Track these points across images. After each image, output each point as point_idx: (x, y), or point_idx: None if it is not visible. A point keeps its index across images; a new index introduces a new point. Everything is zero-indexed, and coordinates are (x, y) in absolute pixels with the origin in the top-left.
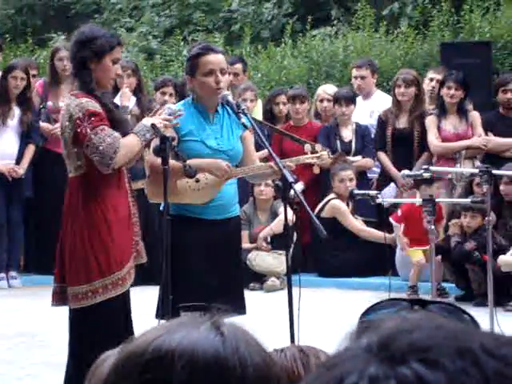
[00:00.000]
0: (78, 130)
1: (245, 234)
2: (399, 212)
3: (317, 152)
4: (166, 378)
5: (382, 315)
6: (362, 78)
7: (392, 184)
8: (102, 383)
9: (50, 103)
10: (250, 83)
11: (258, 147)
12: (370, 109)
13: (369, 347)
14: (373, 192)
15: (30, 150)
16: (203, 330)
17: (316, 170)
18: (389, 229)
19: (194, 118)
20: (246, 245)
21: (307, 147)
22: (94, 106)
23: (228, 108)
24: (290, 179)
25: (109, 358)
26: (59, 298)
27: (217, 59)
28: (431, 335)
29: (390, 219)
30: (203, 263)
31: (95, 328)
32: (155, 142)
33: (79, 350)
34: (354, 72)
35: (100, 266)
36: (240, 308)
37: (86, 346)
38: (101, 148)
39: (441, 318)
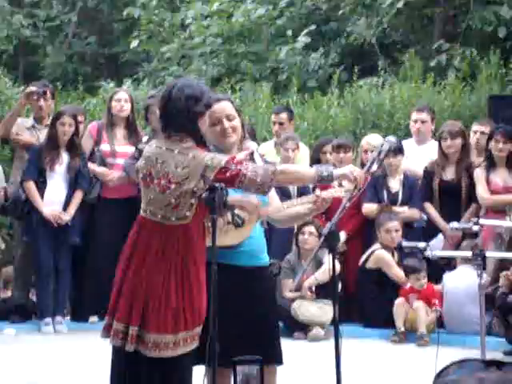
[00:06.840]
0: (228, 175)
1: (289, 282)
2: None
3: (343, 186)
4: None
5: (457, 377)
6: (423, 122)
7: (439, 235)
8: None
9: (103, 146)
10: (291, 133)
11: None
12: (427, 155)
13: None
14: (421, 244)
15: (78, 196)
16: None
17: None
18: (435, 280)
19: None
20: (290, 294)
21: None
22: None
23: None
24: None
25: None
26: (112, 336)
27: (221, 107)
28: None
29: None
30: (232, 311)
31: (164, 381)
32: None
33: None
34: (415, 115)
35: (186, 320)
36: (276, 359)
37: None
38: (258, 180)
39: None
